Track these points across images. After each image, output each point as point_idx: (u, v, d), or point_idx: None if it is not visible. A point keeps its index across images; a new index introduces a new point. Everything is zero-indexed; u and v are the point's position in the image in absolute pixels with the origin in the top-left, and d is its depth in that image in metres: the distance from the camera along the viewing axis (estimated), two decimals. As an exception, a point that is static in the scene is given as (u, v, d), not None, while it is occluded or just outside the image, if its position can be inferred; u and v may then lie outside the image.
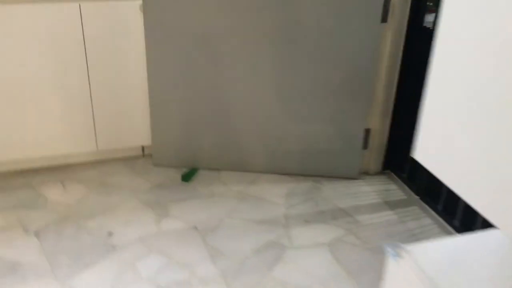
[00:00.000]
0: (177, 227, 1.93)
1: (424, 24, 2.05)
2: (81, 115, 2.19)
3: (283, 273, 1.71)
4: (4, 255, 1.75)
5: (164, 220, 1.97)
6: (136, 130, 2.31)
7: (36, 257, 1.75)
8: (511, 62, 0.68)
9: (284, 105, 2.18)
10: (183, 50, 2.10)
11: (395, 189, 2.25)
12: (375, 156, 2.33)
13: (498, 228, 0.74)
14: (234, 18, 2.03)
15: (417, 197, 2.16)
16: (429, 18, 2.09)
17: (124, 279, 1.66)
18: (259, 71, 2.12)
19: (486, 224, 1.80)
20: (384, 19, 2.00)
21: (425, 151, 0.94)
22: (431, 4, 2.12)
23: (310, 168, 2.31)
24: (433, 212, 2.06)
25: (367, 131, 2.24)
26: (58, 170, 2.28)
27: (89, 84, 2.14)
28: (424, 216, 2.06)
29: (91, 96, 2.17)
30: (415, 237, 1.93)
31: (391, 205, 2.13)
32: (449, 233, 1.94)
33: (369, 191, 2.23)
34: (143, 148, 2.43)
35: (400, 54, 2.12)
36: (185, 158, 2.34)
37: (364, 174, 2.35)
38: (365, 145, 2.26)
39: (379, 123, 2.25)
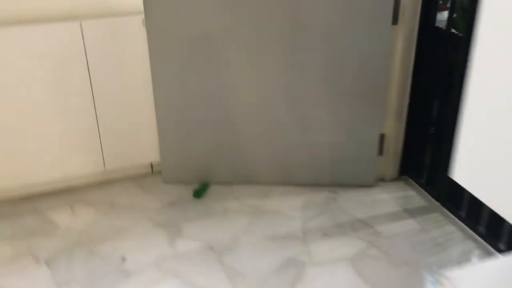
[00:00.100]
0: (192, 248, 1.86)
1: (436, 24, 1.98)
2: (87, 135, 2.13)
3: (305, 293, 1.65)
4: (15, 287, 1.69)
5: (178, 241, 1.90)
6: (144, 147, 2.25)
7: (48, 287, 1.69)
8: None
9: (295, 113, 2.11)
10: (188, 63, 2.03)
11: (414, 195, 2.18)
12: (390, 161, 2.25)
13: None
14: (240, 26, 1.96)
15: (437, 203, 2.08)
16: (439, 16, 2.02)
17: (141, 307, 1.60)
18: (268, 80, 2.06)
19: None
20: (394, 21, 1.93)
21: (465, 172, 0.87)
22: (441, 2, 2.05)
23: (324, 178, 2.24)
24: (456, 219, 1.98)
25: (382, 137, 2.17)
26: (66, 193, 2.22)
27: (94, 103, 2.08)
28: (447, 223, 1.98)
29: (96, 116, 2.10)
30: (440, 246, 1.85)
31: (411, 212, 2.06)
32: (474, 240, 1.87)
33: (387, 198, 2.16)
34: (151, 165, 2.37)
35: (413, 56, 2.05)
36: (196, 174, 2.27)
37: (380, 180, 2.28)
38: (380, 151, 2.19)
39: (393, 128, 2.18)
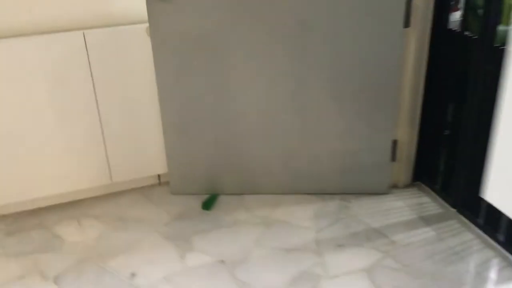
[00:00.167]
0: (203, 262, 1.81)
1: (449, 26, 1.93)
2: (93, 148, 2.08)
3: (322, 308, 1.60)
4: (23, 307, 1.65)
5: (188, 255, 1.85)
6: (151, 159, 2.20)
7: (57, 308, 1.64)
8: None
9: (304, 120, 2.06)
10: (194, 72, 1.98)
11: (429, 202, 2.12)
12: (403, 168, 2.20)
13: None
14: (246, 33, 1.91)
15: (453, 210, 2.02)
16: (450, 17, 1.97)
17: (153, 326, 1.55)
18: (276, 87, 2.01)
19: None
20: (406, 24, 1.88)
21: (499, 192, 0.82)
22: (453, 2, 1.99)
23: (336, 186, 2.18)
24: (473, 226, 1.92)
25: (395, 142, 2.11)
26: (72, 207, 2.18)
27: (99, 115, 2.03)
28: (464, 231, 1.92)
29: (101, 127, 2.06)
30: (458, 255, 1.80)
31: (427, 220, 2.00)
32: (493, 249, 1.81)
33: (401, 206, 2.10)
34: (159, 176, 2.33)
35: (425, 59, 2.00)
36: (204, 184, 2.22)
37: (392, 187, 2.23)
38: (393, 157, 2.13)
39: (406, 133, 2.13)
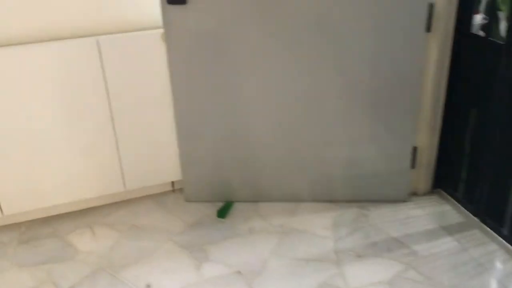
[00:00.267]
0: (220, 273, 1.77)
1: (472, 31, 1.87)
2: (106, 155, 2.04)
3: (343, 322, 1.55)
4: (37, 320, 1.61)
5: (204, 266, 1.81)
6: (165, 165, 2.16)
7: (71, 320, 1.61)
8: None
9: (321, 126, 2.01)
10: (209, 78, 1.94)
11: (450, 210, 2.07)
12: (423, 174, 2.14)
13: None
14: (263, 35, 1.87)
15: (476, 219, 1.96)
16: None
17: None
18: (293, 92, 1.96)
19: None
20: (428, 28, 1.83)
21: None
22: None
23: (353, 193, 2.13)
24: (497, 236, 1.87)
25: (415, 149, 2.06)
26: (85, 215, 2.14)
27: (113, 121, 2.00)
28: (488, 241, 1.87)
29: (115, 135, 2.02)
30: (482, 267, 1.74)
31: (448, 230, 1.94)
32: (519, 260, 1.76)
33: (421, 214, 2.05)
34: (172, 183, 2.29)
35: (447, 64, 1.94)
36: (219, 191, 2.18)
37: (412, 195, 2.17)
38: (413, 164, 2.08)
39: (426, 139, 2.07)
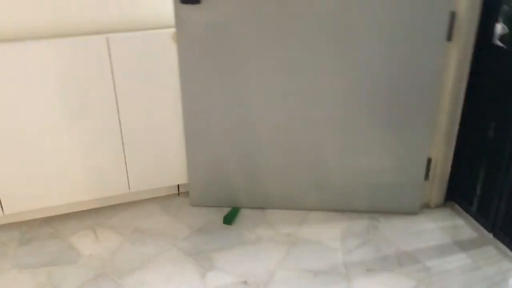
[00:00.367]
0: (225, 283, 1.72)
1: (493, 42, 1.81)
2: (111, 155, 1.99)
3: None
4: (35, 325, 1.56)
5: (209, 274, 1.76)
6: (171, 168, 2.11)
7: (71, 327, 1.56)
8: None
9: (333, 133, 1.95)
10: (220, 79, 1.89)
11: (463, 225, 2.01)
12: (436, 186, 2.08)
13: None
14: (281, 38, 1.81)
15: (490, 235, 1.91)
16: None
17: None
18: (306, 99, 1.90)
19: None
20: (449, 37, 1.77)
21: None
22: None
23: (364, 204, 2.08)
24: (512, 254, 1.81)
25: (429, 161, 2.00)
26: (88, 216, 2.09)
27: (119, 122, 1.94)
28: (503, 259, 1.81)
29: (121, 135, 1.97)
30: (497, 286, 1.68)
31: (462, 245, 1.88)
32: (535, 280, 1.70)
33: (433, 228, 1.99)
34: (178, 186, 2.23)
35: (466, 75, 1.88)
36: (225, 197, 2.12)
37: (424, 207, 2.11)
38: (427, 176, 2.02)
39: (441, 151, 2.01)
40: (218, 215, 2.09)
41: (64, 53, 1.77)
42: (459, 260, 1.81)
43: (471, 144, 1.98)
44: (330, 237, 1.94)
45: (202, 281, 1.72)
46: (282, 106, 1.92)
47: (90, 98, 1.87)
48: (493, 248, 1.87)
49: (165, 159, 2.08)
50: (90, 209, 2.13)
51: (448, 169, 2.06)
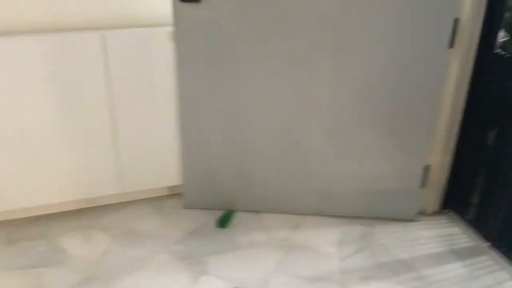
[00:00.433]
0: (218, 288, 1.68)
1: (496, 50, 1.79)
2: (103, 155, 1.94)
3: None
4: (21, 330, 1.51)
5: (202, 279, 1.71)
6: (164, 168, 2.06)
7: (58, 332, 1.51)
8: None
9: (330, 138, 1.92)
10: (217, 79, 1.85)
11: (459, 234, 1.99)
12: (433, 194, 2.06)
13: None
14: (280, 40, 1.78)
15: (487, 244, 1.89)
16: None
17: None
18: (303, 102, 1.87)
19: None
20: (451, 44, 1.74)
21: None
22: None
23: (360, 209, 2.05)
24: (509, 263, 1.79)
25: (427, 168, 1.98)
26: (78, 215, 2.04)
27: (112, 121, 1.89)
28: (499, 269, 1.79)
29: (114, 134, 1.92)
30: (494, 296, 1.67)
31: (458, 254, 1.86)
32: (531, 291, 1.68)
33: (429, 236, 1.97)
34: (171, 188, 2.19)
35: (467, 82, 1.86)
36: (220, 199, 2.08)
37: (420, 214, 2.09)
38: (424, 183, 2.00)
39: (439, 158, 1.99)
40: (211, 217, 2.05)
41: (56, 49, 1.72)
42: (455, 269, 1.79)
43: (469, 152, 1.96)
44: (325, 243, 1.91)
45: (195, 286, 1.68)
46: (279, 109, 1.89)
47: (82, 96, 1.82)
48: (489, 258, 1.85)
49: (158, 159, 2.04)
50: (79, 209, 2.08)
51: (445, 176, 2.04)
